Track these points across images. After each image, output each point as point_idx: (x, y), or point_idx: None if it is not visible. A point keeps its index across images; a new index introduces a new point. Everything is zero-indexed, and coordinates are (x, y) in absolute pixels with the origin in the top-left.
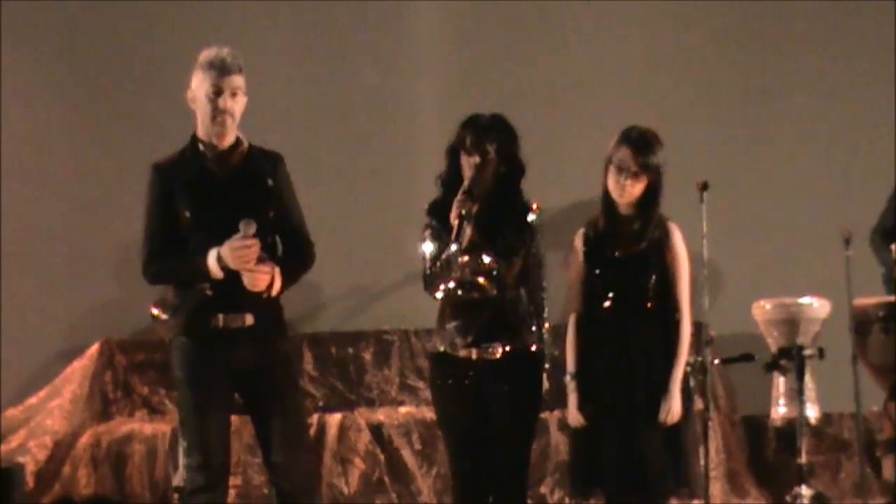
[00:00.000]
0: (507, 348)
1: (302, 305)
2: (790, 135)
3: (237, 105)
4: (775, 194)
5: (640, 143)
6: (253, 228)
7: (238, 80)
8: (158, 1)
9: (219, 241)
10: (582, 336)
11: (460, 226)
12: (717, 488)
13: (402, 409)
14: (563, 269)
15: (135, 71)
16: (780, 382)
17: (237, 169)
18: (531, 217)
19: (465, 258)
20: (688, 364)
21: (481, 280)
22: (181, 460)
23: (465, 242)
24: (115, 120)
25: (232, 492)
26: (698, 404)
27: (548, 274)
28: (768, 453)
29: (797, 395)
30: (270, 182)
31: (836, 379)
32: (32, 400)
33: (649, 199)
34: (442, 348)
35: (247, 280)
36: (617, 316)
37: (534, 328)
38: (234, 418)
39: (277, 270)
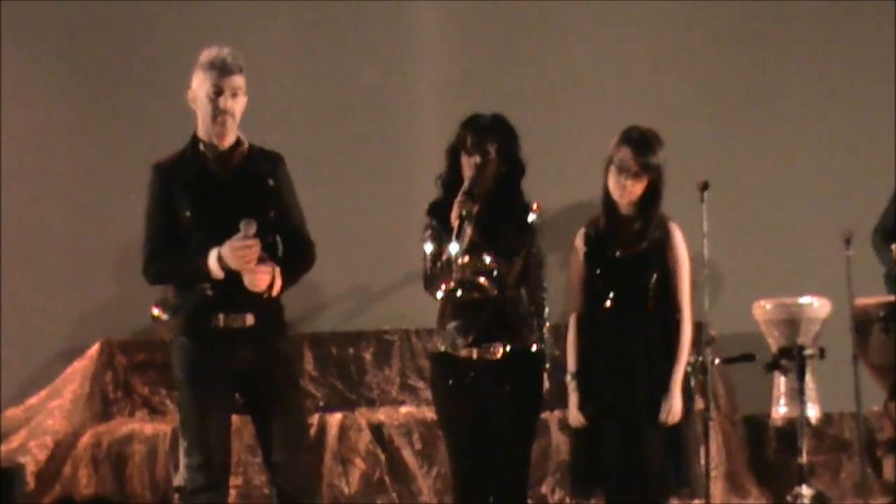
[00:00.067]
0: (508, 348)
1: (302, 305)
2: (790, 135)
3: (237, 105)
4: (775, 194)
5: (641, 143)
6: (253, 228)
7: (238, 81)
8: (158, 1)
9: (219, 241)
10: (582, 336)
11: (461, 226)
12: (717, 488)
13: (403, 409)
14: (564, 269)
15: (135, 71)
16: (781, 382)
17: (238, 169)
18: (532, 217)
19: (466, 258)
20: (688, 364)
21: (482, 280)
22: (182, 460)
23: (465, 242)
24: (115, 120)
25: (232, 492)
26: (699, 404)
27: (548, 274)
28: (769, 453)
29: (798, 395)
30: (271, 182)
31: (836, 379)
32: (33, 400)
33: (650, 199)
34: (443, 348)
35: (247, 280)
36: (617, 316)
37: (534, 328)
38: (234, 418)
39: (278, 270)
